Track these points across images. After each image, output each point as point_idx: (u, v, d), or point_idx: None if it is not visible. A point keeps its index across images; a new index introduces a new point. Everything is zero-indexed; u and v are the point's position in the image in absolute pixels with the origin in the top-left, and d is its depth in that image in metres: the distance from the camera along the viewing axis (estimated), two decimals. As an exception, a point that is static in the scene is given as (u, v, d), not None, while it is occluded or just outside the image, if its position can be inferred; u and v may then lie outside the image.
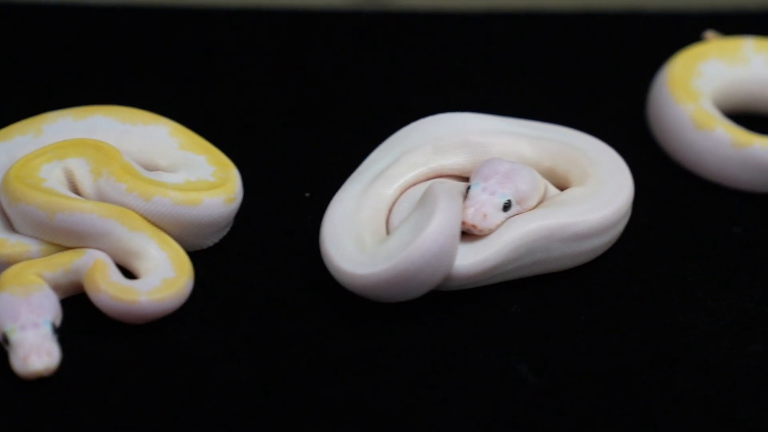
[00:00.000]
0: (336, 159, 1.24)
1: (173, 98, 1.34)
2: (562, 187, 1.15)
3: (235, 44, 1.42)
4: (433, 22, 1.48)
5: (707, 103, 1.26)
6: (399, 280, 1.05)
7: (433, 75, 1.40)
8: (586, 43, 1.45)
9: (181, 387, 1.03)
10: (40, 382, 1.02)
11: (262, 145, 1.28)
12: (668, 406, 1.02)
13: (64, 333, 1.05)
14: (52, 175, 1.11)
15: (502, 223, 1.09)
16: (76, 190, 1.12)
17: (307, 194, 1.21)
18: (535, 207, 1.11)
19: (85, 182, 1.11)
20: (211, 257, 1.14)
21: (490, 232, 1.08)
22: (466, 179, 1.14)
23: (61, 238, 1.08)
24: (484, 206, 1.08)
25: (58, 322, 1.05)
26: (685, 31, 1.44)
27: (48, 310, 1.04)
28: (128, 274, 1.09)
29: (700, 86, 1.27)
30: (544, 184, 1.13)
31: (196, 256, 1.12)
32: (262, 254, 1.14)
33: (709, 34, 1.33)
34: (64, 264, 1.07)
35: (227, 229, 1.16)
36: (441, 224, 1.05)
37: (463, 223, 1.07)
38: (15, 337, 1.02)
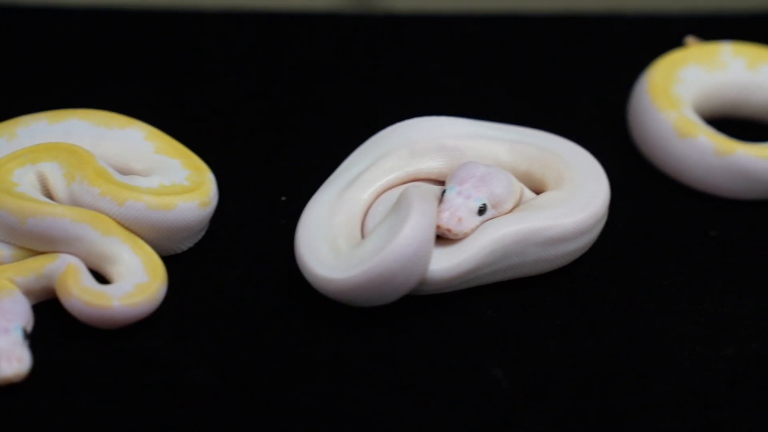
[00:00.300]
0: (313, 162, 1.24)
1: (150, 101, 1.33)
2: (538, 191, 1.15)
3: (212, 47, 1.42)
4: (412, 24, 1.48)
5: (688, 110, 1.26)
6: (373, 284, 1.05)
7: (412, 78, 1.40)
8: (565, 46, 1.45)
9: (154, 393, 1.02)
10: (10, 388, 1.01)
11: (239, 149, 1.28)
12: (642, 411, 1.02)
13: (35, 338, 1.04)
14: (25, 180, 1.10)
15: (478, 227, 1.09)
16: (49, 195, 1.11)
17: (283, 198, 1.21)
18: (511, 211, 1.11)
19: (59, 186, 1.11)
20: (186, 261, 1.13)
21: (465, 236, 1.08)
22: (442, 183, 1.14)
23: (33, 242, 1.08)
24: (459, 210, 1.08)
25: (29, 328, 1.04)
26: (664, 34, 1.44)
27: (19, 315, 1.03)
28: (102, 279, 1.09)
29: (680, 93, 1.27)
30: (519, 187, 1.13)
31: (171, 260, 1.12)
32: (237, 259, 1.14)
33: (690, 40, 1.33)
34: (35, 269, 1.07)
35: (202, 233, 1.15)
36: (415, 228, 1.04)
37: (438, 227, 1.07)
38: (-15, 342, 1.02)
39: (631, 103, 1.29)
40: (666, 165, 1.25)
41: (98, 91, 1.34)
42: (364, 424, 1.01)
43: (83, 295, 1.05)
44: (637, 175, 1.26)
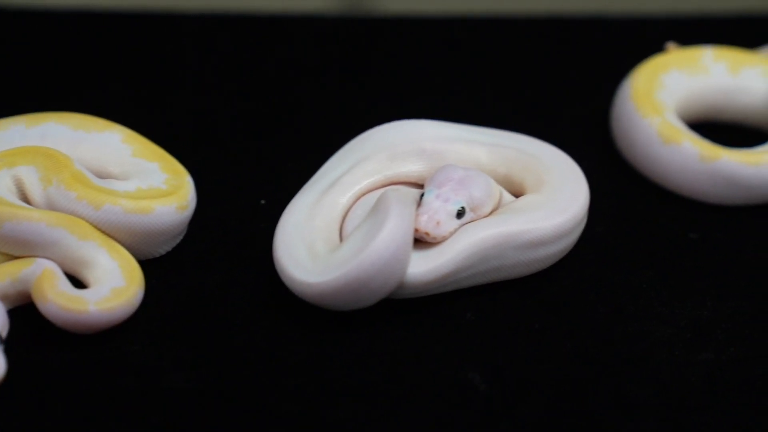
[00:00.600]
0: (293, 166, 1.23)
1: (130, 104, 1.33)
2: (517, 194, 1.15)
3: (192, 50, 1.41)
4: (394, 27, 1.47)
5: (672, 115, 1.25)
6: (350, 288, 1.04)
7: (394, 81, 1.39)
8: (548, 48, 1.45)
9: (131, 397, 1.02)
10: (-14, 393, 1.01)
11: (219, 152, 1.27)
12: (620, 414, 1.02)
13: (10, 344, 1.04)
14: (1, 184, 1.10)
15: (456, 230, 1.08)
16: (26, 199, 1.11)
17: (263, 201, 1.21)
18: (490, 214, 1.11)
19: (35, 190, 1.10)
20: (164, 266, 1.12)
21: (444, 239, 1.08)
22: (421, 186, 1.14)
23: (9, 247, 1.07)
24: (437, 213, 1.08)
25: (4, 333, 1.04)
26: (646, 36, 1.44)
27: (-6, 320, 1.03)
28: (79, 283, 1.08)
29: (663, 99, 1.27)
30: (499, 191, 1.12)
31: (149, 264, 1.11)
32: (216, 263, 1.13)
33: (671, 45, 1.33)
34: (11, 273, 1.06)
35: (180, 237, 1.15)
36: (392, 232, 1.04)
37: (416, 230, 1.07)
38: (-40, 347, 1.01)
39: (614, 110, 1.29)
40: (650, 171, 1.24)
41: (77, 94, 1.33)
42: (342, 428, 1.01)
43: (59, 300, 1.04)
44: (618, 179, 1.26)
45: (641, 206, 1.23)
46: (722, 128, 1.32)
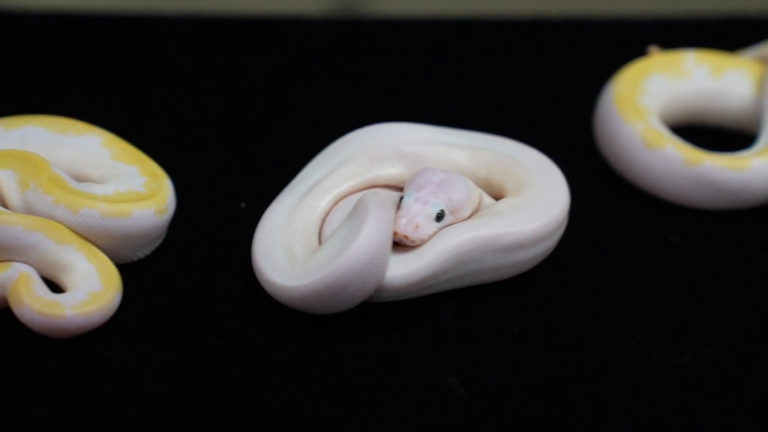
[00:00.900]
0: (273, 169, 1.23)
1: (111, 107, 1.32)
2: (498, 197, 1.14)
3: (172, 52, 1.41)
4: (376, 29, 1.47)
5: (655, 120, 1.25)
6: (329, 291, 1.04)
7: (376, 84, 1.39)
8: (530, 50, 1.45)
9: (108, 402, 1.01)
10: (-39, 398, 1.00)
11: (199, 155, 1.27)
12: (600, 417, 1.01)
13: (-14, 348, 1.03)
14: (-22, 188, 1.09)
15: (435, 233, 1.08)
16: (3, 203, 1.10)
17: (243, 205, 1.20)
18: (470, 217, 1.10)
19: (13, 194, 1.10)
20: (143, 269, 1.12)
21: (423, 242, 1.07)
22: (402, 190, 1.13)
23: (-14, 251, 1.07)
24: (416, 216, 1.07)
25: (-20, 337, 1.03)
26: (629, 38, 1.44)
27: (-31, 324, 1.02)
28: (56, 288, 1.07)
29: (646, 103, 1.27)
30: (478, 193, 1.12)
31: (127, 268, 1.10)
32: (194, 266, 1.13)
33: (653, 49, 1.33)
34: (-13, 277, 1.06)
35: (159, 240, 1.14)
36: (370, 235, 1.03)
37: (395, 233, 1.06)
38: (-64, 352, 1.01)
39: (597, 115, 1.29)
40: (633, 175, 1.24)
41: (57, 96, 1.33)
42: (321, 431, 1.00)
43: (35, 304, 1.03)
44: (601, 183, 1.26)
45: (623, 210, 1.23)
46: (705, 132, 1.32)
